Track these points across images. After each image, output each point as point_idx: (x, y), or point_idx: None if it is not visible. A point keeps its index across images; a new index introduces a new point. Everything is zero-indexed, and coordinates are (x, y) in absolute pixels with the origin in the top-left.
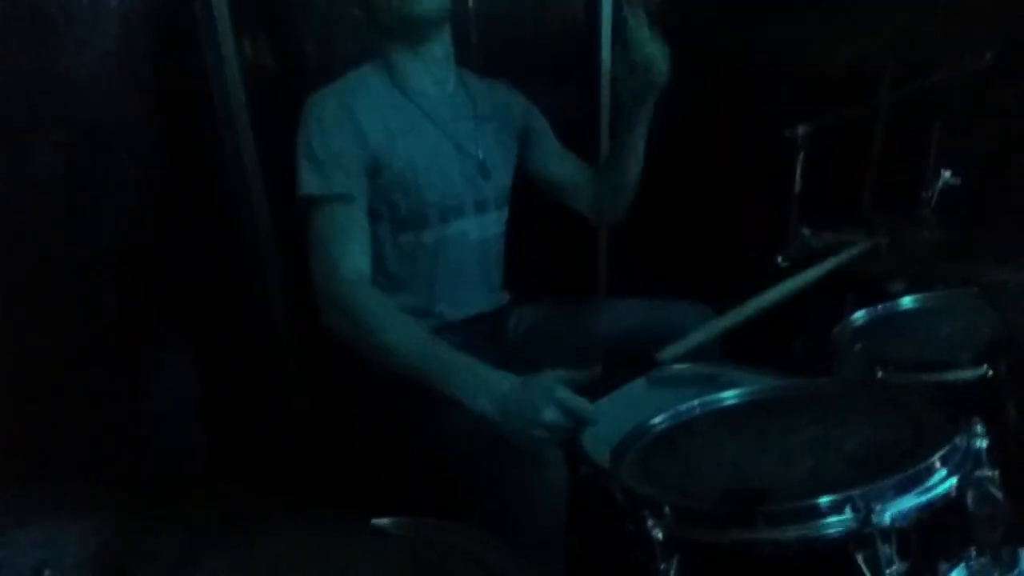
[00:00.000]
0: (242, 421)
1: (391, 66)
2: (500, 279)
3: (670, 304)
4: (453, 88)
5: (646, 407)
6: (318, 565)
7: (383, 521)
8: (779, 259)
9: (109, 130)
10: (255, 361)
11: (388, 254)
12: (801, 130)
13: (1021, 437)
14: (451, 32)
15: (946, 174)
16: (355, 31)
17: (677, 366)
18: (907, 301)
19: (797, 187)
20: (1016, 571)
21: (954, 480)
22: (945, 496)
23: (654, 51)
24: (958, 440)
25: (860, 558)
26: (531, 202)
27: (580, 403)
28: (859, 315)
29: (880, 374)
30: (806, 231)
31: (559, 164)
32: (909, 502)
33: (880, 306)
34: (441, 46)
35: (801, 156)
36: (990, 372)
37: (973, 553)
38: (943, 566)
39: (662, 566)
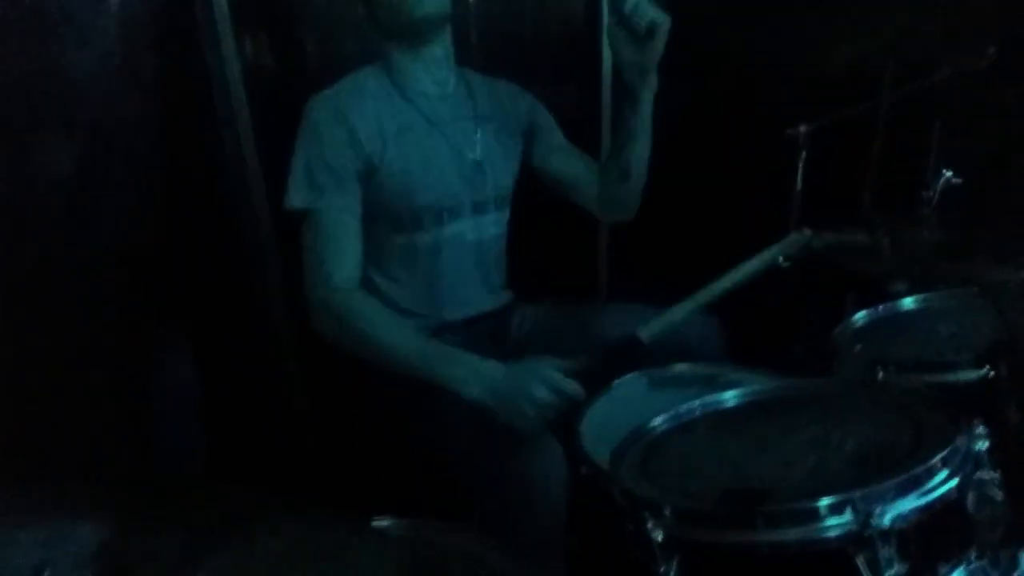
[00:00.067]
0: (242, 421)
1: (391, 67)
2: (501, 279)
3: None
4: (453, 88)
5: (646, 408)
6: (318, 565)
7: (383, 521)
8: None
9: (109, 130)
10: (255, 361)
11: (387, 255)
12: (802, 129)
13: (1022, 439)
14: (452, 33)
15: (947, 174)
16: (355, 31)
17: (677, 366)
18: (908, 302)
19: (798, 187)
20: (1016, 573)
21: (955, 482)
22: (945, 498)
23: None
24: (959, 441)
25: (860, 559)
26: (532, 202)
27: (569, 383)
28: (860, 316)
29: (881, 375)
30: (807, 231)
31: (564, 161)
32: (909, 504)
33: (881, 307)
34: (441, 47)
35: (803, 156)
36: (991, 373)
37: (973, 555)
38: (943, 568)
39: (662, 567)
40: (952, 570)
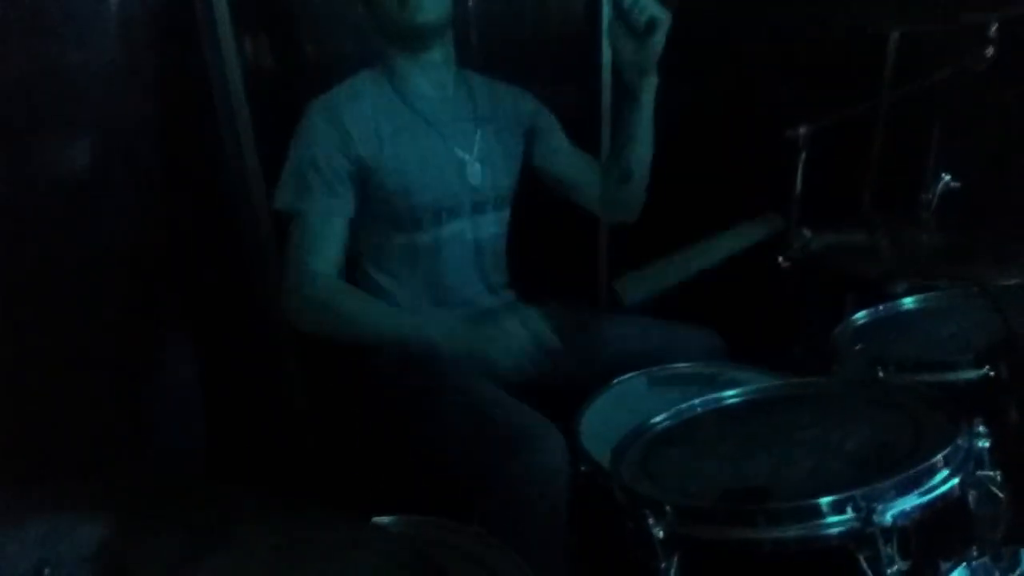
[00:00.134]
0: (242, 421)
1: (391, 70)
2: (502, 279)
3: (680, 328)
4: (453, 90)
5: (646, 406)
6: (318, 565)
7: (383, 520)
8: (780, 259)
9: (109, 130)
10: (255, 361)
11: (387, 254)
12: (802, 131)
13: (1022, 437)
14: (452, 36)
15: (946, 178)
16: (355, 31)
17: (677, 366)
18: (908, 302)
19: (797, 187)
20: (1018, 571)
21: (956, 480)
22: (947, 496)
23: None
24: (960, 440)
25: (861, 558)
26: (532, 202)
27: (546, 330)
28: (860, 315)
29: (881, 374)
30: (806, 232)
31: (566, 161)
32: (911, 502)
33: (881, 306)
34: (442, 50)
35: (802, 156)
36: (991, 373)
37: (974, 553)
38: (945, 565)
39: (663, 565)
40: (953, 568)
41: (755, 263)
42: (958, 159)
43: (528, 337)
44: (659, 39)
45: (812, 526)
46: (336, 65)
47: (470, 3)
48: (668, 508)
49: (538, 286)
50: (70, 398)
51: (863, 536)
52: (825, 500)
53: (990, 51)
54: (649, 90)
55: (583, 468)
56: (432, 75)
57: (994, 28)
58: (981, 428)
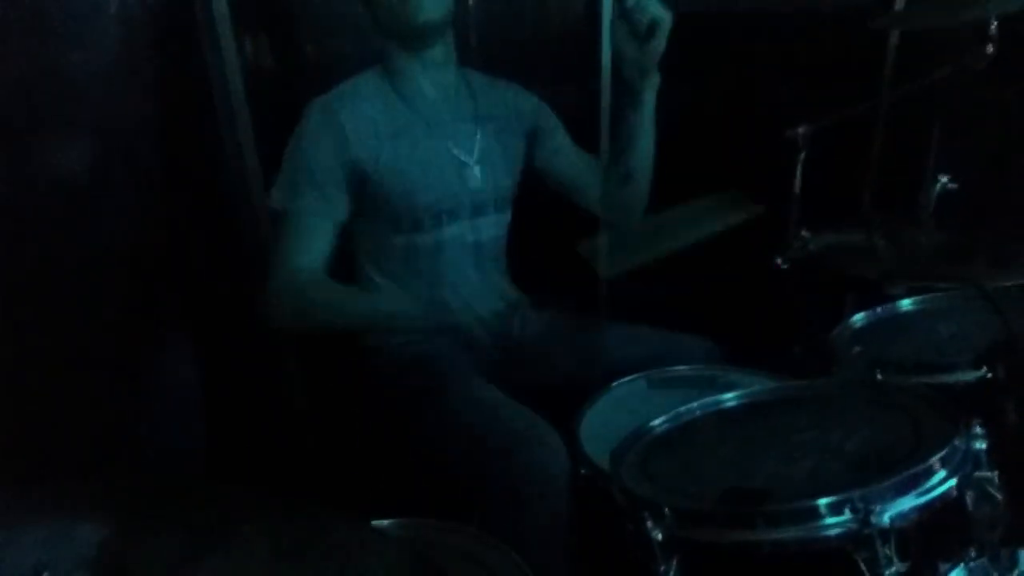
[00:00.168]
0: (242, 421)
1: (391, 69)
2: (503, 280)
3: (678, 337)
4: (455, 91)
5: (645, 408)
6: (318, 565)
7: (383, 522)
8: (779, 260)
9: (109, 130)
10: (255, 361)
11: (387, 255)
12: (801, 131)
13: (1020, 439)
14: (453, 35)
15: (943, 179)
16: (355, 31)
17: (677, 368)
18: (907, 303)
19: (797, 187)
20: (1016, 572)
21: (953, 481)
22: (944, 497)
23: None
24: (958, 442)
25: (860, 559)
26: (531, 203)
27: (508, 287)
28: (859, 317)
29: (880, 376)
30: (806, 233)
31: (568, 161)
32: (908, 503)
33: (880, 308)
34: (443, 50)
35: (802, 157)
36: (989, 374)
37: (972, 554)
38: (943, 566)
39: (662, 567)
40: (952, 569)
41: (754, 264)
42: (958, 159)
43: (493, 296)
44: (660, 40)
45: (810, 528)
46: (336, 65)
47: (470, 3)
48: (667, 510)
49: (538, 287)
50: (70, 398)
51: (861, 537)
52: (823, 501)
53: (990, 49)
54: (650, 89)
55: (583, 471)
56: (433, 74)
57: (994, 26)
58: (979, 429)
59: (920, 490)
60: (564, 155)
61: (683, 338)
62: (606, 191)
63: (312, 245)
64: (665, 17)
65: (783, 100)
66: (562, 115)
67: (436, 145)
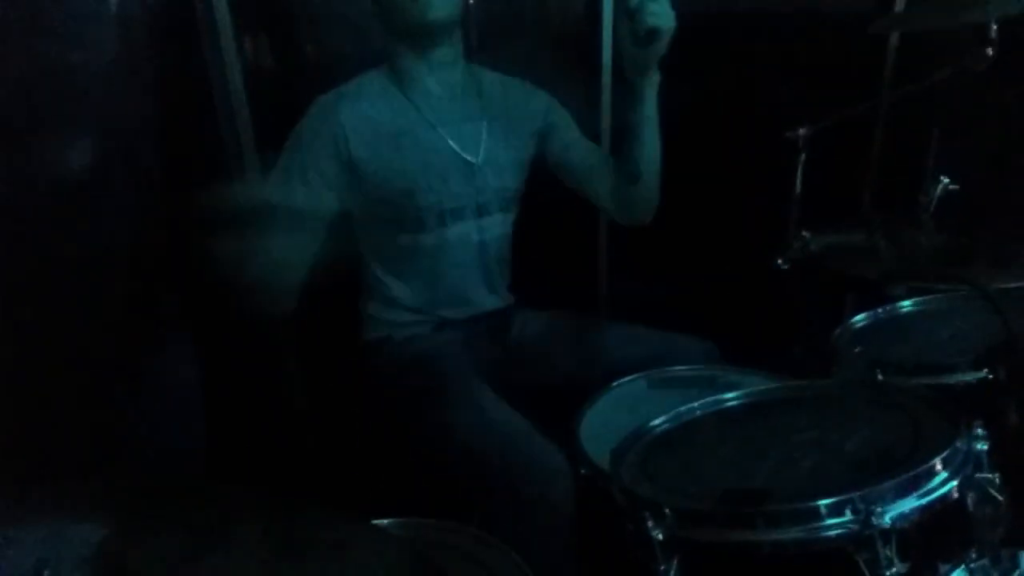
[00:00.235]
0: (242, 421)
1: (398, 69)
2: (505, 280)
3: (678, 338)
4: (461, 90)
5: (646, 408)
6: (318, 565)
7: (383, 521)
8: (779, 261)
9: (109, 130)
10: (255, 361)
11: (391, 255)
12: (802, 131)
13: (1021, 440)
14: (460, 34)
15: (944, 180)
16: (355, 31)
17: (677, 368)
18: (907, 304)
19: (797, 189)
20: (1016, 573)
21: (954, 482)
22: (945, 498)
23: None
24: (959, 443)
25: (860, 560)
26: (531, 204)
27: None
28: (859, 318)
29: (880, 377)
30: (806, 233)
31: (580, 156)
32: (909, 504)
33: (880, 309)
34: (450, 49)
35: (802, 158)
36: (990, 375)
37: (973, 555)
38: (944, 567)
39: (662, 567)
40: (952, 570)
41: (754, 264)
42: (958, 160)
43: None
44: (660, 45)
45: (811, 528)
46: (336, 65)
47: (471, 2)
48: (667, 510)
49: (538, 287)
50: (70, 398)
51: (862, 538)
52: (824, 502)
53: (990, 51)
54: (651, 87)
55: (583, 471)
56: (440, 74)
57: (994, 28)
58: (980, 430)
59: (921, 491)
60: (576, 150)
61: (683, 338)
62: (615, 190)
63: (297, 240)
64: (668, 25)
65: (783, 101)
66: None
67: (441, 145)
